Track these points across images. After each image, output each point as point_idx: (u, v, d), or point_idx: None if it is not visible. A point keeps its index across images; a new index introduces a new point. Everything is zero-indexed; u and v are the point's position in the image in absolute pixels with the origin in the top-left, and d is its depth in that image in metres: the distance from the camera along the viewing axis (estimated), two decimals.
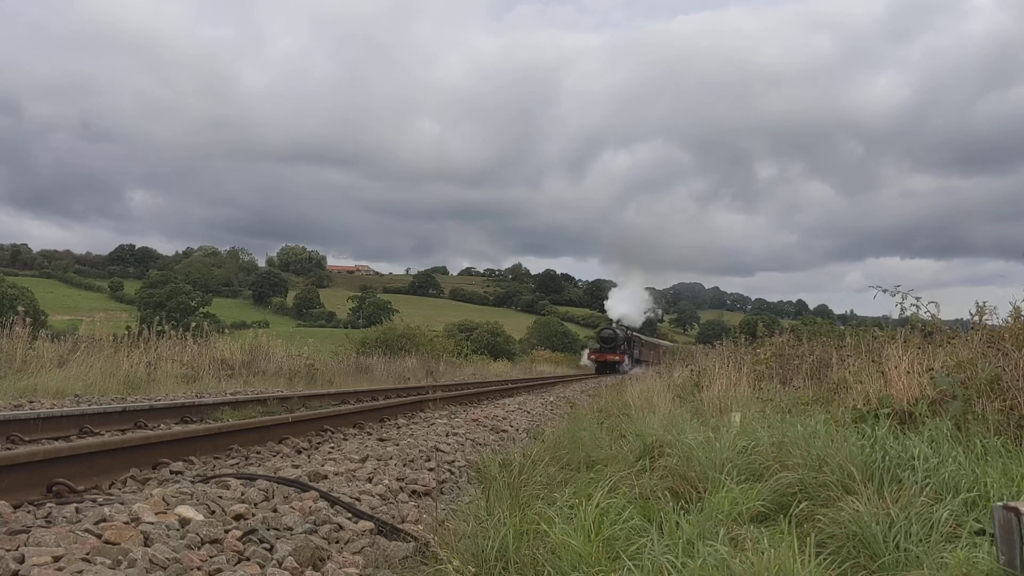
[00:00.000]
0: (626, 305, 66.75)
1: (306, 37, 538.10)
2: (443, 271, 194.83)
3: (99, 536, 2.82)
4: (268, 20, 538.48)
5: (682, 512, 3.75)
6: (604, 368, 52.40)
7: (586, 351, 56.75)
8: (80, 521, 3.09)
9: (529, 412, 11.80)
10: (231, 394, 12.42)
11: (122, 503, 3.45)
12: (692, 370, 13.17)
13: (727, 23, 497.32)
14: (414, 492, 4.79)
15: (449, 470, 5.74)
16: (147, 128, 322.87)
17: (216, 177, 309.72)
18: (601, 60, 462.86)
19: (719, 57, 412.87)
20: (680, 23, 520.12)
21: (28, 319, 13.70)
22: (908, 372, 6.30)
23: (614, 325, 56.85)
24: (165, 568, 2.64)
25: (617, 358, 52.42)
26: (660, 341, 70.15)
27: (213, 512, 3.37)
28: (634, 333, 58.77)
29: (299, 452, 6.52)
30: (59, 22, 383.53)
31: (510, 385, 21.69)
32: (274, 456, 6.20)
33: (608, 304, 69.87)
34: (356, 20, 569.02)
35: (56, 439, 6.43)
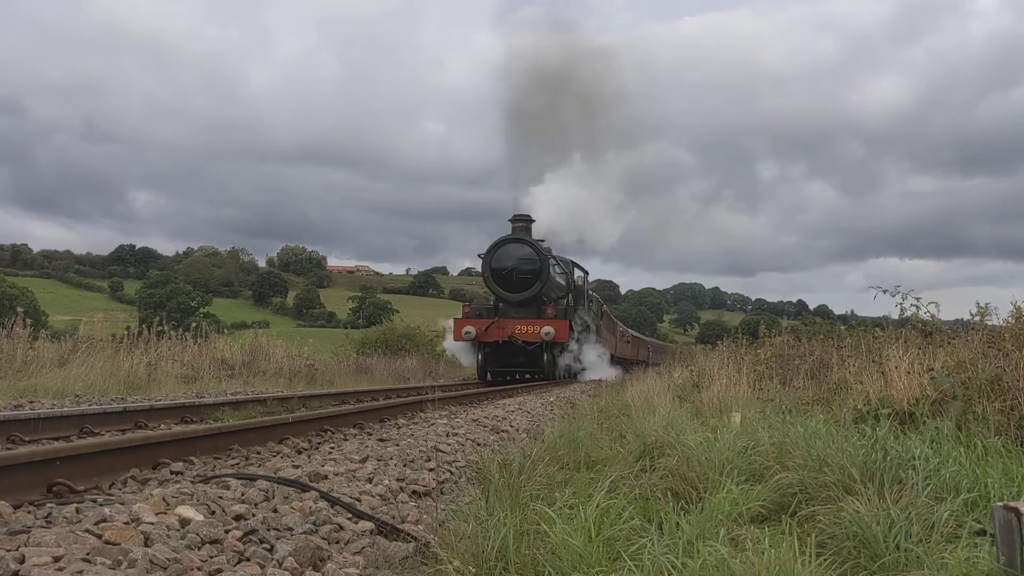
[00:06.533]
0: (571, 203, 27.53)
1: (312, 38, 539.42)
2: (443, 271, 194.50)
3: (99, 536, 2.81)
4: (274, 21, 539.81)
5: (682, 512, 3.75)
6: (505, 358, 22.28)
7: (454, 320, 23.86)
8: (80, 521, 3.08)
9: (529, 412, 11.79)
10: (231, 394, 12.42)
11: (122, 503, 3.44)
12: (692, 370, 13.19)
13: (732, 24, 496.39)
14: (414, 492, 4.78)
15: (449, 470, 5.73)
16: (151, 128, 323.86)
17: (220, 177, 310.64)
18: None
19: (724, 58, 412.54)
20: (685, 24, 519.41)
21: (28, 319, 13.72)
22: (908, 372, 6.30)
23: (540, 243, 23.58)
24: (165, 568, 2.63)
25: (550, 329, 21.34)
26: (635, 333, 47.07)
27: (213, 512, 3.37)
28: (592, 292, 29.19)
29: (299, 452, 6.51)
30: (65, 23, 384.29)
31: (510, 385, 21.67)
32: (274, 456, 6.19)
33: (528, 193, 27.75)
34: (361, 21, 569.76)
35: (56, 439, 6.42)
